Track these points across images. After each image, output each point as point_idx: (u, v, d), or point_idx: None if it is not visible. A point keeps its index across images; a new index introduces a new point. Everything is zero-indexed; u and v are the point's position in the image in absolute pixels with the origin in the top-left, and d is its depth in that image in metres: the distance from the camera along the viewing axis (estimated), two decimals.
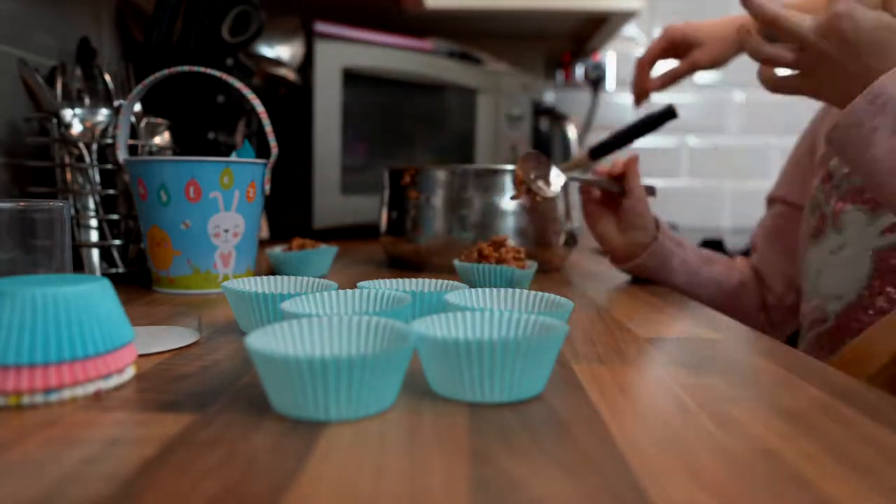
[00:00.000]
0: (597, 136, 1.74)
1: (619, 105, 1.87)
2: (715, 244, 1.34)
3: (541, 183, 0.71)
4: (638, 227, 0.76)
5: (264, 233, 1.11)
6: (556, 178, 0.73)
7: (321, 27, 1.13)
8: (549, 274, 0.83)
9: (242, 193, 0.64)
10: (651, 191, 0.78)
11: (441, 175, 0.81)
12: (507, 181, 0.80)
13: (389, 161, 1.25)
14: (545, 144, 1.53)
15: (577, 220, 0.86)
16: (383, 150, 1.26)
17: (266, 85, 1.10)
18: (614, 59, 1.85)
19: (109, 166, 0.69)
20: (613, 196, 0.78)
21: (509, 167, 0.80)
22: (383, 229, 0.88)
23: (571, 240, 0.85)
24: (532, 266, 0.66)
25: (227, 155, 0.79)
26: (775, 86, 0.57)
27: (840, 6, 0.48)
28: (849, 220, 0.67)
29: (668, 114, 0.88)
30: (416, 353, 0.41)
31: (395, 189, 0.85)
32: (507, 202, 0.80)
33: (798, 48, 0.53)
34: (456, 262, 0.66)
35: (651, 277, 0.78)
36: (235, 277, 0.66)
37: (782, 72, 0.57)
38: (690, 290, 0.79)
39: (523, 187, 0.70)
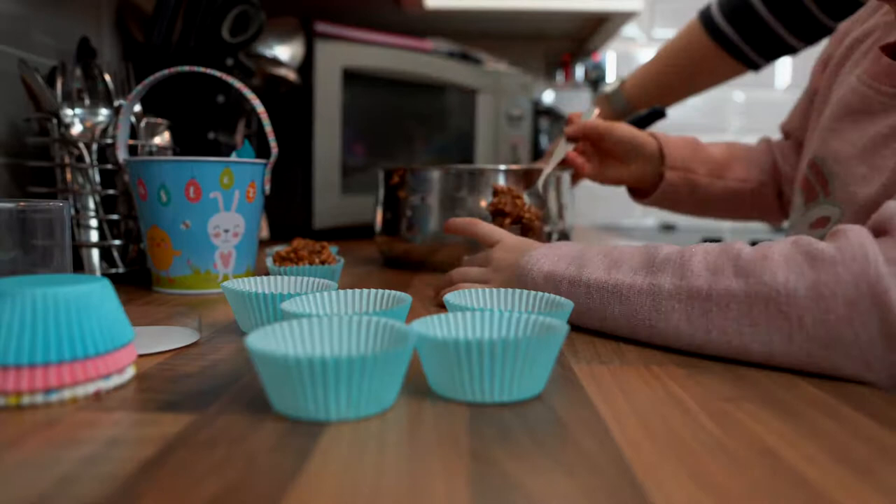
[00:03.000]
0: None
1: None
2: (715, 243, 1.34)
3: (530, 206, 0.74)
4: (635, 155, 0.78)
5: (264, 233, 1.11)
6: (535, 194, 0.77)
7: (321, 27, 1.13)
8: None
9: (242, 193, 0.64)
10: (660, 114, 0.80)
11: (435, 175, 0.81)
12: (500, 181, 0.80)
13: (390, 161, 1.25)
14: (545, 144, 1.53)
15: (569, 220, 0.86)
16: (383, 150, 1.26)
17: (266, 85, 1.10)
18: (614, 59, 1.85)
19: (109, 166, 0.69)
20: (594, 144, 0.80)
21: (502, 167, 0.80)
22: (378, 229, 0.88)
23: (564, 239, 0.86)
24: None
25: (227, 155, 0.79)
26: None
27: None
28: (795, 203, 0.67)
29: (656, 114, 0.88)
30: (416, 353, 0.41)
31: (389, 189, 0.86)
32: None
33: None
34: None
35: (671, 210, 0.83)
36: (235, 277, 0.66)
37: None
38: (706, 213, 0.84)
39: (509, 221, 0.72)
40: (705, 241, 0.49)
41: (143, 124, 0.72)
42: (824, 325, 0.37)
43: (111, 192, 0.70)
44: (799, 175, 0.67)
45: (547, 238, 0.82)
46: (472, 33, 1.64)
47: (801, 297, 0.38)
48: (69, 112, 0.69)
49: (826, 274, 0.37)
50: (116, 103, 0.71)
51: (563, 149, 0.79)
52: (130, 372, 0.38)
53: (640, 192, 0.83)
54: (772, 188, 0.83)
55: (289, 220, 1.15)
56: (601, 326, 0.49)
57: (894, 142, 0.52)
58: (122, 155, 0.66)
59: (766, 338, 0.39)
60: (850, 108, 0.59)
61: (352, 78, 1.14)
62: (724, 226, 1.92)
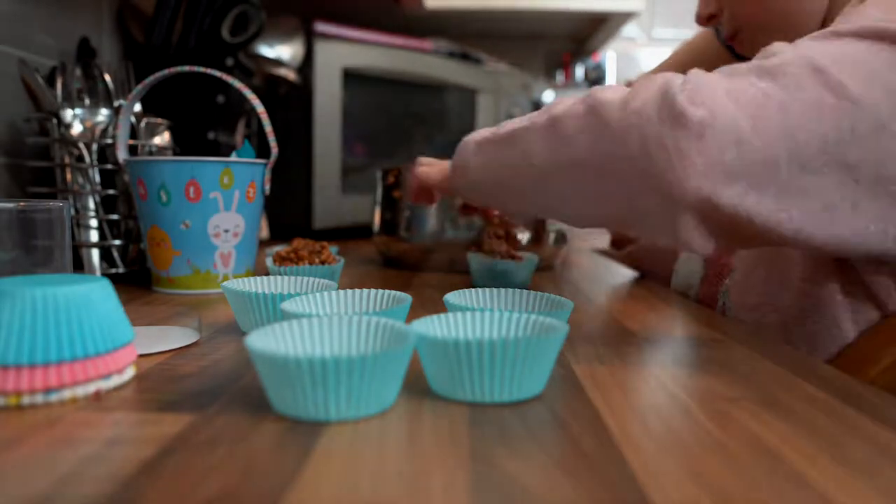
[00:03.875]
0: None
1: None
2: None
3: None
4: None
5: (264, 233, 1.11)
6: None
7: (321, 27, 1.13)
8: (547, 273, 0.83)
9: (242, 193, 0.64)
10: None
11: None
12: None
13: (390, 161, 1.25)
14: None
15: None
16: (383, 150, 1.26)
17: (266, 85, 1.10)
18: (614, 59, 1.85)
19: (109, 166, 0.69)
20: None
21: None
22: (377, 229, 0.88)
23: (561, 238, 0.86)
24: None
25: (227, 155, 0.79)
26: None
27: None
28: None
29: None
30: (416, 353, 0.41)
31: (386, 189, 0.86)
32: None
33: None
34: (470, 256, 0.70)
35: (645, 268, 0.84)
36: (235, 277, 0.66)
37: None
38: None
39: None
40: None
41: (143, 124, 0.72)
42: (622, 121, 0.42)
43: (111, 192, 0.70)
44: None
45: (545, 236, 0.83)
46: (472, 33, 1.64)
47: (615, 105, 0.43)
48: (69, 112, 0.69)
49: (641, 91, 0.43)
50: (116, 103, 0.71)
51: None
52: (130, 372, 0.38)
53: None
54: None
55: (289, 220, 1.15)
56: (512, 179, 0.53)
57: None
58: (122, 155, 0.66)
59: (589, 145, 0.44)
60: None
61: (352, 78, 1.14)
62: None
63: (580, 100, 0.47)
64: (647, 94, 0.42)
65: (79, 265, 0.68)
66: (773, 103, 0.40)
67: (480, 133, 0.57)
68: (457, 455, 0.28)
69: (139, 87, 0.65)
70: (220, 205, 0.63)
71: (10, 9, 0.75)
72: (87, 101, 0.71)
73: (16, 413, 0.32)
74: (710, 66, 1.00)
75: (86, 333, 0.34)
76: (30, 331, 0.33)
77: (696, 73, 0.43)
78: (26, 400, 0.33)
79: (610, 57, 1.83)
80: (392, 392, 0.33)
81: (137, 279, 0.70)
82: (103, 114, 0.71)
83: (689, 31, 1.05)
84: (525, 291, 0.48)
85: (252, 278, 0.51)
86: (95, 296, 0.35)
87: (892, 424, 0.32)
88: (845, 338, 0.53)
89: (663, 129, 0.40)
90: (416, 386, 0.37)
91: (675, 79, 0.42)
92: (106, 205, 0.71)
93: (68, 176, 0.69)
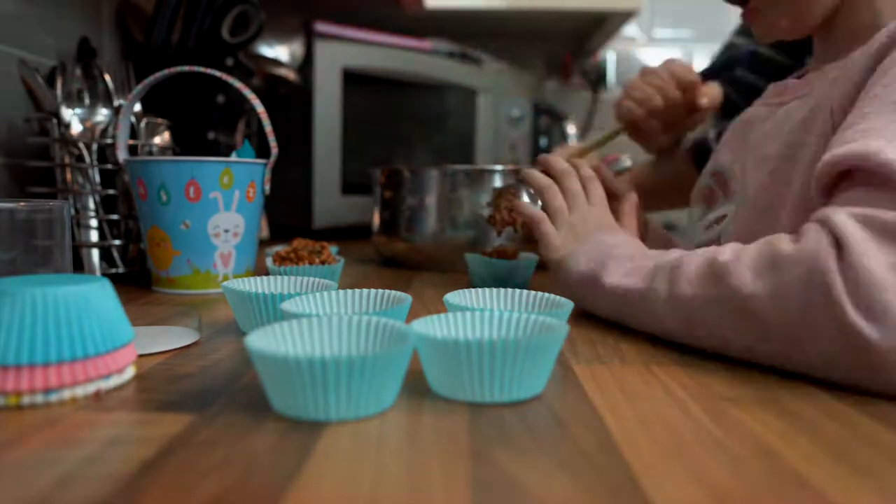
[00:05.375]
0: (596, 136, 1.72)
1: None
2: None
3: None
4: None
5: (264, 233, 1.11)
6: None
7: (321, 27, 1.13)
8: (547, 273, 0.83)
9: (242, 193, 0.64)
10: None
11: (432, 175, 0.82)
12: (497, 181, 0.80)
13: (390, 161, 1.25)
14: (545, 145, 1.53)
15: None
16: (383, 150, 1.26)
17: (266, 85, 1.10)
18: (614, 59, 1.85)
19: (109, 166, 0.69)
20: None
21: (498, 167, 0.80)
22: (376, 229, 0.88)
23: None
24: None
25: (227, 155, 0.79)
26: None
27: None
28: (693, 215, 0.71)
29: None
30: (416, 353, 0.41)
31: (381, 189, 0.86)
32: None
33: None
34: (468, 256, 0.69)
35: None
36: (235, 277, 0.66)
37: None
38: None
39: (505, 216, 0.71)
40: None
41: (143, 124, 0.72)
42: (787, 326, 0.38)
43: (111, 192, 0.70)
44: (696, 192, 0.72)
45: None
46: (472, 33, 1.64)
47: (764, 298, 0.39)
48: (69, 112, 0.69)
49: (785, 275, 0.38)
50: (116, 103, 0.71)
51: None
52: (130, 372, 0.38)
53: None
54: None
55: (289, 220, 1.15)
56: (617, 320, 0.52)
57: (774, 136, 0.59)
58: (122, 155, 0.66)
59: (744, 336, 0.41)
60: (747, 123, 0.66)
61: (352, 78, 1.14)
62: None
63: (703, 276, 0.43)
64: (795, 281, 0.38)
65: (79, 265, 0.68)
66: None
67: (616, 271, 0.52)
68: (457, 455, 0.28)
69: (139, 87, 0.65)
70: (220, 205, 0.63)
71: (10, 9, 0.75)
72: (87, 101, 0.71)
73: (16, 413, 0.32)
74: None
75: (86, 333, 0.34)
76: (30, 331, 0.33)
77: (855, 254, 0.36)
78: (26, 400, 0.33)
79: (610, 57, 1.83)
80: (392, 392, 0.33)
81: (137, 279, 0.70)
82: (103, 114, 0.71)
83: (690, 30, 1.05)
84: (525, 291, 0.48)
85: (252, 278, 0.51)
86: (95, 296, 0.35)
87: (892, 424, 0.32)
88: None
89: (840, 340, 0.36)
90: (416, 386, 0.37)
91: (831, 266, 0.36)
92: (106, 205, 0.71)
93: (68, 176, 0.69)
